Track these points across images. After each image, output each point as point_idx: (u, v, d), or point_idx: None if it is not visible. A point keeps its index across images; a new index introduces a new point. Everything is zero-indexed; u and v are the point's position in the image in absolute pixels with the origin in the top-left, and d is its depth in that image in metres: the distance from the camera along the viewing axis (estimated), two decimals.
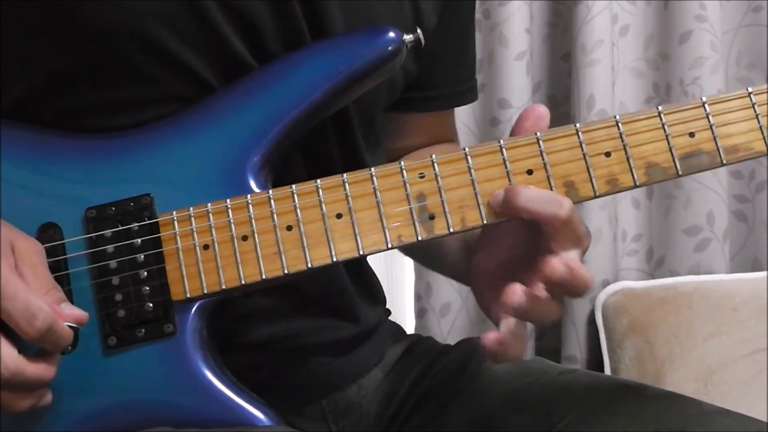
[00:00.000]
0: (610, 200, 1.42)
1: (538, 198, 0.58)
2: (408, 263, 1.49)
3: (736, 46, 1.45)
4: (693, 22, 1.39)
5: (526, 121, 0.61)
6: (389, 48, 0.63)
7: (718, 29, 1.39)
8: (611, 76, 1.40)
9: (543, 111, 0.61)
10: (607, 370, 1.36)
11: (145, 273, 0.60)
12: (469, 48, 0.86)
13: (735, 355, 1.31)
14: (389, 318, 0.85)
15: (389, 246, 0.60)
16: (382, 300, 0.84)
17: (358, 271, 0.77)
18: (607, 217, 1.41)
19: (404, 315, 1.51)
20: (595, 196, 0.60)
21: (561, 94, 1.47)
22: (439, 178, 0.60)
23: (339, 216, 0.60)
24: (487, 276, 0.63)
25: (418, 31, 0.64)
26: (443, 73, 0.82)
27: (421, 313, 1.46)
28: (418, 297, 1.47)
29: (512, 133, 0.62)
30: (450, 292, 1.44)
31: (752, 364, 1.30)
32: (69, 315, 0.55)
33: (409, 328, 1.46)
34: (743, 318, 1.34)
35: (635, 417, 0.64)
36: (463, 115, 1.43)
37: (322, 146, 0.70)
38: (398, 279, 1.55)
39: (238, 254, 0.60)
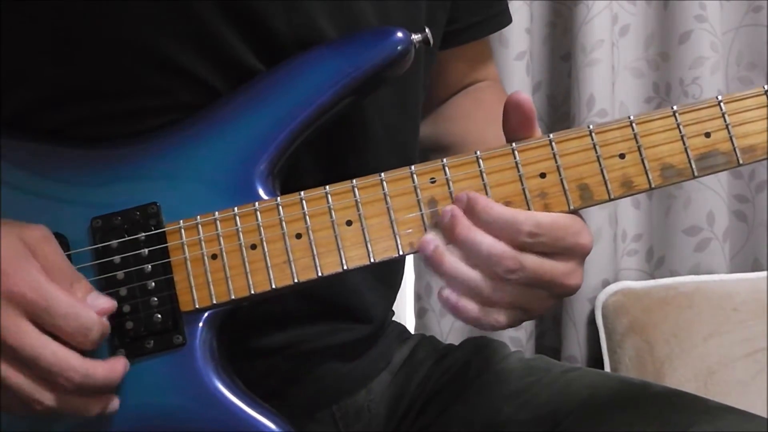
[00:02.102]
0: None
1: (493, 221, 0.56)
2: (408, 263, 1.48)
3: (736, 46, 1.45)
4: (693, 22, 1.38)
5: (513, 114, 0.59)
6: (398, 48, 0.61)
7: (718, 29, 1.39)
8: (611, 76, 1.39)
9: (522, 97, 0.59)
10: (607, 370, 1.36)
11: (153, 284, 0.59)
12: None
13: (735, 355, 1.31)
14: (393, 318, 0.85)
15: (401, 253, 0.59)
16: (395, 290, 0.83)
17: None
18: (607, 217, 1.40)
19: (404, 315, 1.51)
20: (610, 199, 0.59)
21: (561, 94, 1.47)
22: (450, 183, 0.59)
23: (349, 223, 0.59)
24: None
25: (427, 30, 0.63)
26: (466, 3, 0.80)
27: (421, 313, 1.46)
28: (418, 297, 1.47)
29: (507, 132, 0.60)
30: None
31: (752, 364, 1.30)
32: (102, 310, 0.56)
33: (409, 328, 1.45)
34: (743, 318, 1.34)
35: (640, 414, 0.65)
36: None
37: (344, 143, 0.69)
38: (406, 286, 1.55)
39: (247, 263, 0.59)
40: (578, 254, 0.58)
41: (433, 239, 0.57)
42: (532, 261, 0.56)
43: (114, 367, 0.56)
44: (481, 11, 0.83)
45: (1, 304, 0.52)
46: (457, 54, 0.82)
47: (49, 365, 0.53)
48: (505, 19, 0.85)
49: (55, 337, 0.54)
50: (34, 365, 0.53)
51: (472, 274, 0.56)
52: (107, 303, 0.56)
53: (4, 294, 0.52)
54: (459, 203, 0.58)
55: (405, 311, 1.51)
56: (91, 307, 0.55)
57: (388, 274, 0.79)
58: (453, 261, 0.56)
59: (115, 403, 0.57)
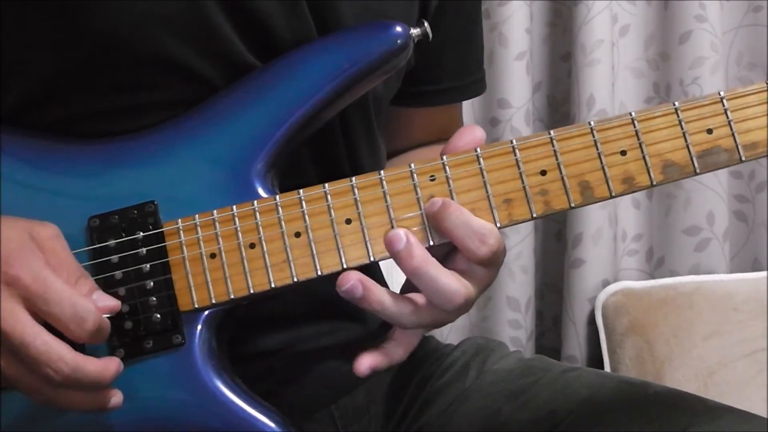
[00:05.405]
0: (610, 200, 1.41)
1: (462, 227, 0.57)
2: None
3: (736, 46, 1.45)
4: (693, 22, 1.38)
5: (460, 141, 0.60)
6: (398, 42, 0.61)
7: (718, 29, 1.39)
8: (611, 76, 1.39)
9: (480, 134, 0.60)
10: (607, 370, 1.36)
11: (152, 283, 0.59)
12: (477, 39, 0.84)
13: (735, 355, 1.31)
14: None
15: None
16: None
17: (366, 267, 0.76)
18: (607, 217, 1.40)
19: None
20: (611, 197, 0.59)
21: (561, 94, 1.47)
22: (450, 181, 0.59)
23: (348, 221, 0.59)
24: None
25: (425, 24, 0.62)
26: (451, 66, 0.80)
27: None
28: None
29: (443, 151, 0.61)
30: None
31: (752, 364, 1.30)
32: (105, 307, 0.55)
33: None
34: (743, 318, 1.34)
35: (639, 415, 0.64)
36: (463, 116, 1.43)
37: (331, 146, 0.69)
38: (398, 279, 1.54)
39: (245, 263, 0.59)
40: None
41: (406, 233, 0.57)
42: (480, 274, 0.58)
43: (107, 365, 0.54)
44: (465, 76, 0.83)
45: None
46: (428, 114, 0.82)
47: (38, 354, 0.52)
48: (481, 87, 0.86)
49: (52, 331, 0.53)
50: (23, 354, 0.52)
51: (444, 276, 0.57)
52: (111, 301, 0.56)
53: (3, 279, 0.52)
54: (432, 206, 0.58)
55: None
56: (92, 302, 0.54)
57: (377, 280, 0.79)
58: (425, 256, 0.57)
59: (116, 399, 0.56)
